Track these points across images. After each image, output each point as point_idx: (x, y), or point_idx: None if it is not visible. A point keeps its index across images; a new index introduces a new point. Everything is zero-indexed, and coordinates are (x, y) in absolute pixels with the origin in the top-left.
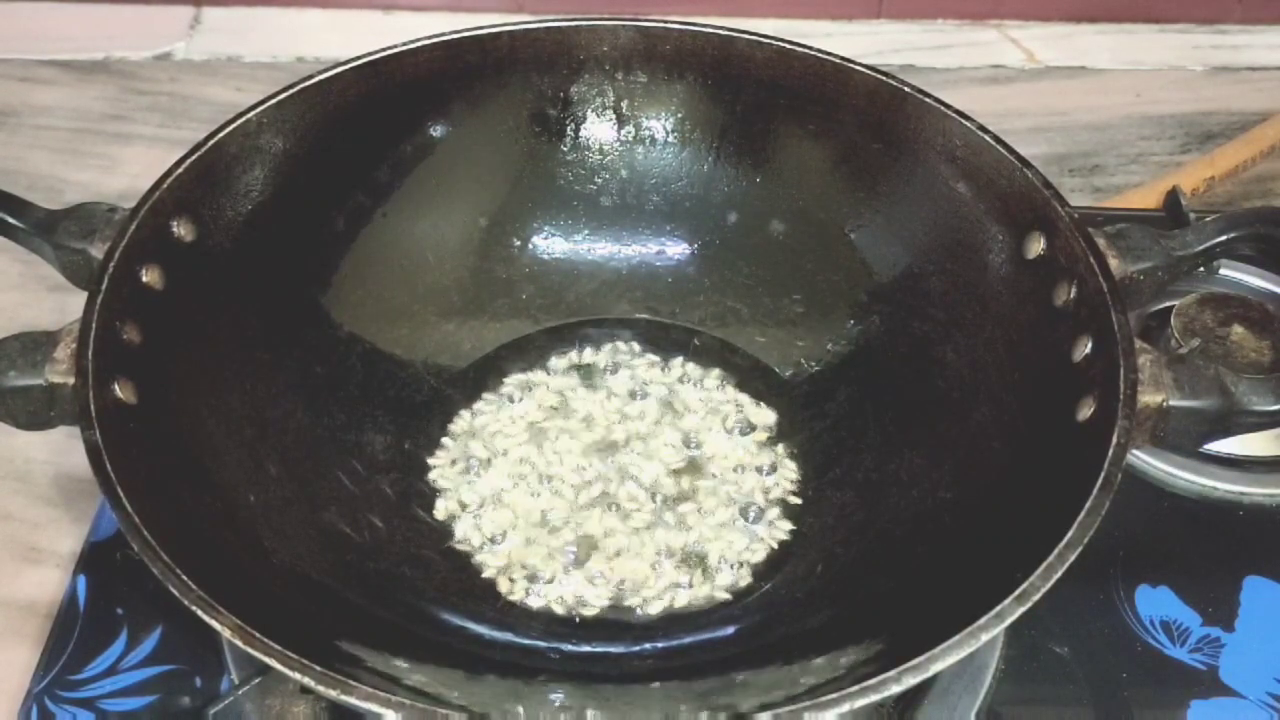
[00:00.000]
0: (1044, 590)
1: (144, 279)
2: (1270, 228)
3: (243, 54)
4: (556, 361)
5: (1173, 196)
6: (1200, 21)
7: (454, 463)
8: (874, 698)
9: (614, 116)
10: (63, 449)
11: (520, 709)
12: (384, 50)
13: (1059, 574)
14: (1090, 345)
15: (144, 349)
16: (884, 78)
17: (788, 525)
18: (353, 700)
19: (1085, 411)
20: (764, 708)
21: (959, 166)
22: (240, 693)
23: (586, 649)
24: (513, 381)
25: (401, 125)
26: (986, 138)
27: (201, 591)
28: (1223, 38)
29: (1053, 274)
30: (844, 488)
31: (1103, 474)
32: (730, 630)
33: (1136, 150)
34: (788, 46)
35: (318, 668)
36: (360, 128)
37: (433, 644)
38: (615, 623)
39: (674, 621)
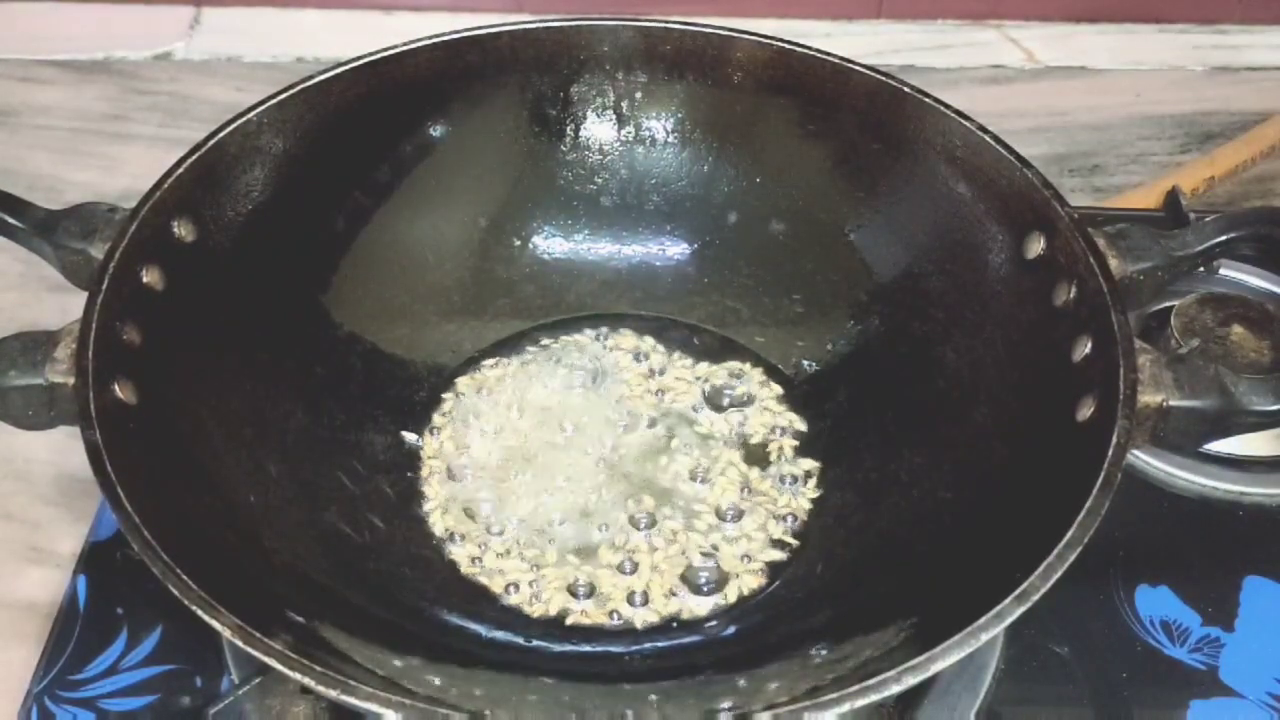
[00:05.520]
0: (1044, 590)
1: (144, 279)
2: (1270, 228)
3: (243, 54)
4: (556, 362)
5: (1173, 196)
6: (1200, 21)
7: (453, 464)
8: (874, 698)
9: (614, 116)
10: (63, 449)
11: (520, 709)
12: (384, 50)
13: (1059, 574)
14: (1090, 345)
15: (144, 349)
16: (884, 78)
17: (788, 526)
18: (353, 700)
19: (1085, 411)
20: (765, 707)
21: (959, 166)
22: (240, 693)
23: (587, 649)
24: (512, 383)
25: (401, 125)
26: (986, 138)
27: (201, 591)
28: (1223, 38)
29: (1053, 274)
30: (844, 488)
31: (1103, 474)
32: (730, 630)
33: (1136, 150)
34: (788, 46)
35: (318, 668)
36: (360, 128)
37: (433, 644)
38: (615, 623)
39: (674, 622)
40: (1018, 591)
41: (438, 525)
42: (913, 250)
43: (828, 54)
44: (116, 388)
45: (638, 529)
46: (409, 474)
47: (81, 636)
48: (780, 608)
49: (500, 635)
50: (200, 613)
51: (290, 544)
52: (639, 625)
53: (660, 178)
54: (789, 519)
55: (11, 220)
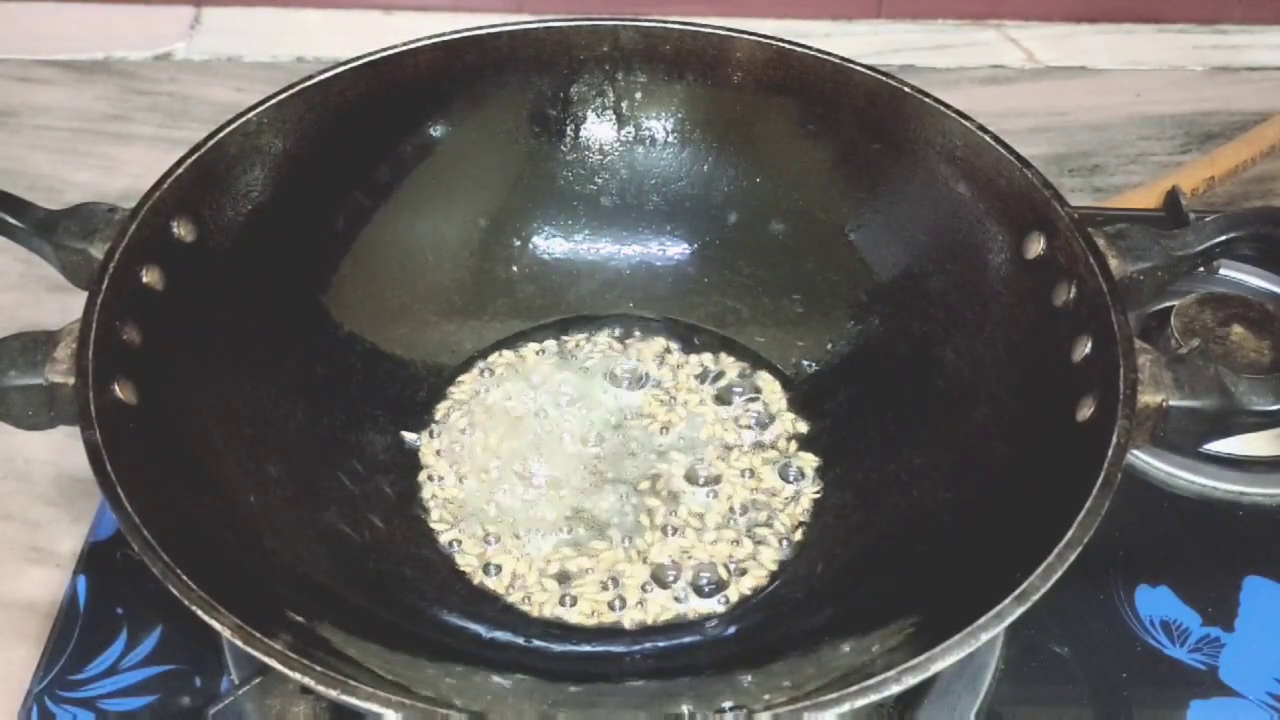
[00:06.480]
0: (1044, 590)
1: (144, 279)
2: (1270, 228)
3: (243, 54)
4: (557, 362)
5: (1173, 196)
6: (1200, 21)
7: (452, 463)
8: (874, 698)
9: (614, 116)
10: (63, 449)
11: (520, 709)
12: (384, 50)
13: (1059, 574)
14: (1090, 345)
15: (144, 349)
16: (884, 78)
17: (788, 525)
18: (353, 700)
19: (1085, 411)
20: (765, 708)
21: (959, 166)
22: (240, 693)
23: (586, 649)
24: (512, 382)
25: (401, 125)
26: (986, 138)
27: (201, 591)
28: (1223, 38)
29: (1053, 274)
30: (844, 488)
31: (1102, 474)
32: (731, 630)
33: (1136, 150)
34: (788, 46)
35: (318, 668)
36: (360, 128)
37: (433, 644)
38: (615, 623)
39: (675, 622)
40: (1018, 591)
41: (438, 525)
42: (913, 250)
43: (828, 54)
44: (116, 388)
45: (637, 529)
46: (409, 474)
47: (81, 636)
48: (780, 608)
49: (500, 635)
50: (200, 613)
51: (290, 544)
52: (639, 625)
53: (660, 178)
54: (789, 518)
55: (11, 220)
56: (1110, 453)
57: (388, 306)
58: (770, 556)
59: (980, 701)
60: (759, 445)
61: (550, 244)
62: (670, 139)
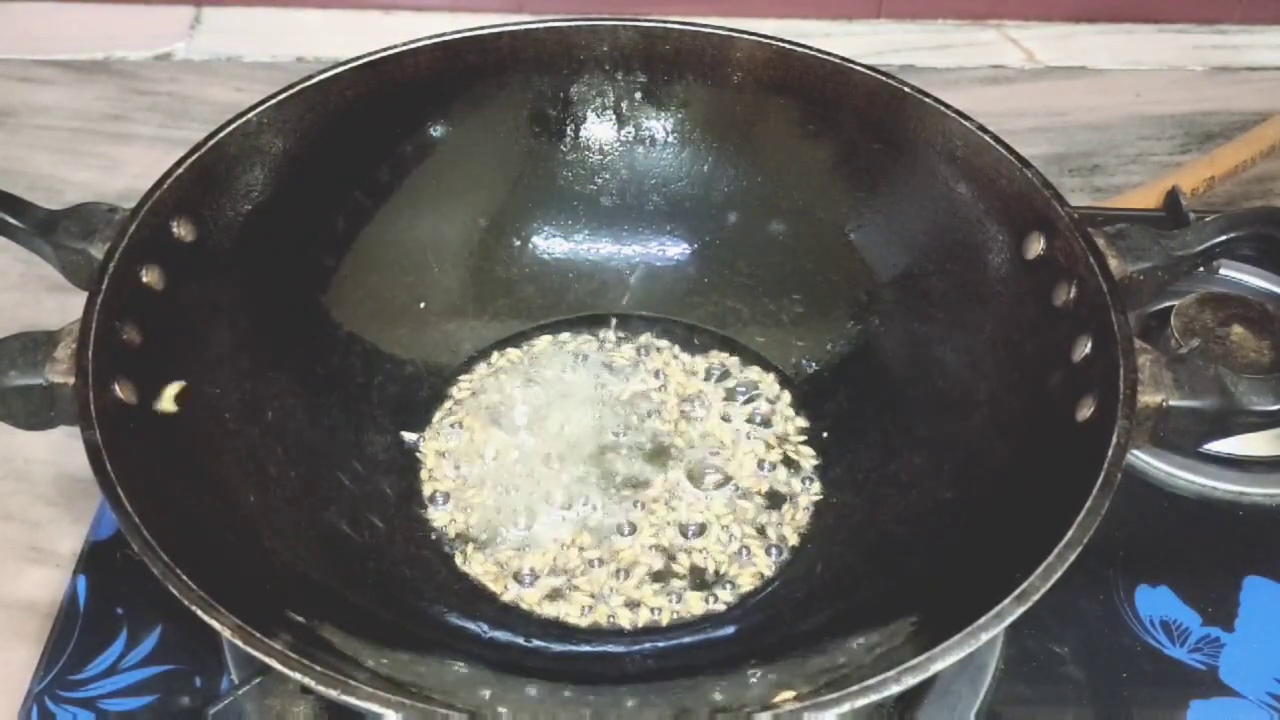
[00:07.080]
0: (1044, 590)
1: (144, 279)
2: (1270, 228)
3: (243, 54)
4: (556, 362)
5: (1173, 196)
6: (1200, 21)
7: (452, 463)
8: (874, 698)
9: (614, 116)
10: (63, 449)
11: (520, 708)
12: (384, 50)
13: (1059, 574)
14: (1090, 345)
15: (144, 349)
16: (884, 78)
17: (788, 526)
18: (353, 700)
19: (1085, 411)
20: (765, 707)
21: (959, 167)
22: (240, 693)
23: (586, 649)
24: (512, 382)
25: (401, 125)
26: (986, 138)
27: (201, 591)
28: (1223, 38)
29: (1052, 274)
30: (844, 488)
31: (1102, 474)
32: (731, 630)
33: (1136, 150)
34: (788, 46)
35: (318, 668)
36: (360, 128)
37: (433, 644)
38: (615, 623)
39: (674, 622)
40: (1018, 591)
41: (437, 525)
42: (913, 250)
43: (828, 54)
44: (117, 387)
45: (638, 528)
46: (409, 474)
47: (81, 636)
48: (780, 608)
49: (500, 635)
50: (200, 613)
51: (290, 544)
52: (638, 625)
53: (660, 178)
54: (789, 519)
55: (11, 220)
56: (1110, 453)
57: (388, 306)
58: (770, 556)
59: (980, 701)
60: (759, 445)
61: (550, 244)
62: (670, 139)
